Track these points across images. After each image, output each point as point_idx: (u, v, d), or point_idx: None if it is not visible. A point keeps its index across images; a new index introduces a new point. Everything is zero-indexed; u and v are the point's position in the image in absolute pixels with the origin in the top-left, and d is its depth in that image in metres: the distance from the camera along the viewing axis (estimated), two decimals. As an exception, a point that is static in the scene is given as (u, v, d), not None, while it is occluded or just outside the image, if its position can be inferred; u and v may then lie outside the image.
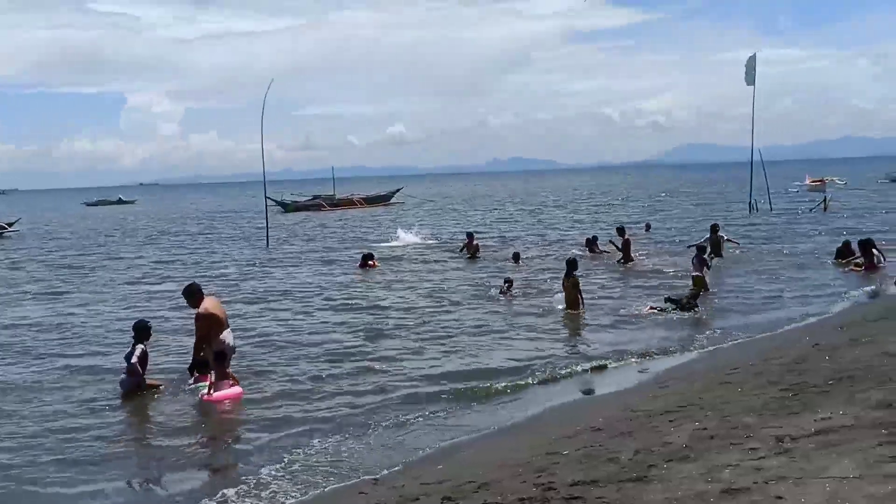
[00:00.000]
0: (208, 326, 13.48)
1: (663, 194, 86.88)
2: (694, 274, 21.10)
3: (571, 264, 19.46)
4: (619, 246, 28.09)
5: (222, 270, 31.75)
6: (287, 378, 14.04)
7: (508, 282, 22.41)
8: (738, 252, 29.16)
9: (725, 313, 18.89)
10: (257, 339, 17.37)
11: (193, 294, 13.90)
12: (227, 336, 13.59)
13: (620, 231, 29.07)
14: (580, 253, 29.34)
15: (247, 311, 21.11)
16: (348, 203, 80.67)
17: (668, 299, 19.12)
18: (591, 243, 31.30)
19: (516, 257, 29.18)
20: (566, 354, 15.40)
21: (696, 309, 18.54)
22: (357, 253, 32.87)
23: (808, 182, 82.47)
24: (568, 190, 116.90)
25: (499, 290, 22.18)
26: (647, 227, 40.73)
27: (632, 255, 27.69)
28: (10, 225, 61.00)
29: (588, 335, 17.22)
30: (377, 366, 14.68)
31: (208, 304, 13.81)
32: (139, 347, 13.48)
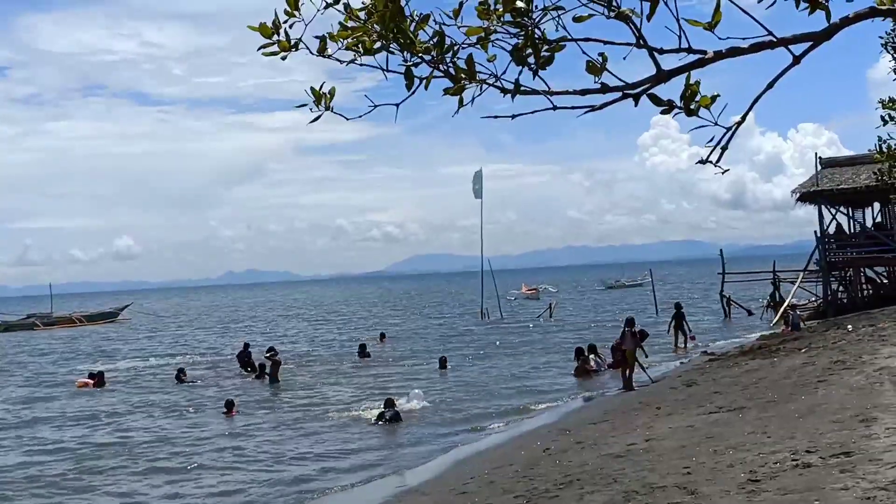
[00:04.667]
0: None
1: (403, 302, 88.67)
2: (624, 348, 21.63)
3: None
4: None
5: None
6: None
7: None
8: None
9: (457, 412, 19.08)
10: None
11: None
12: None
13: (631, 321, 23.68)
14: None
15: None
16: (67, 321, 75.28)
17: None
18: None
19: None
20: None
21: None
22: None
23: (524, 290, 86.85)
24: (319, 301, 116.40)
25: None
26: (382, 336, 41.03)
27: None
28: None
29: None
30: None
31: None
32: None
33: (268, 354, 28.41)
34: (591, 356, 25.69)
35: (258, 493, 13.93)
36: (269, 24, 3.64)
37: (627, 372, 21.53)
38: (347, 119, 3.89)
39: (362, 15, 3.58)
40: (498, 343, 37.11)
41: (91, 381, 29.12)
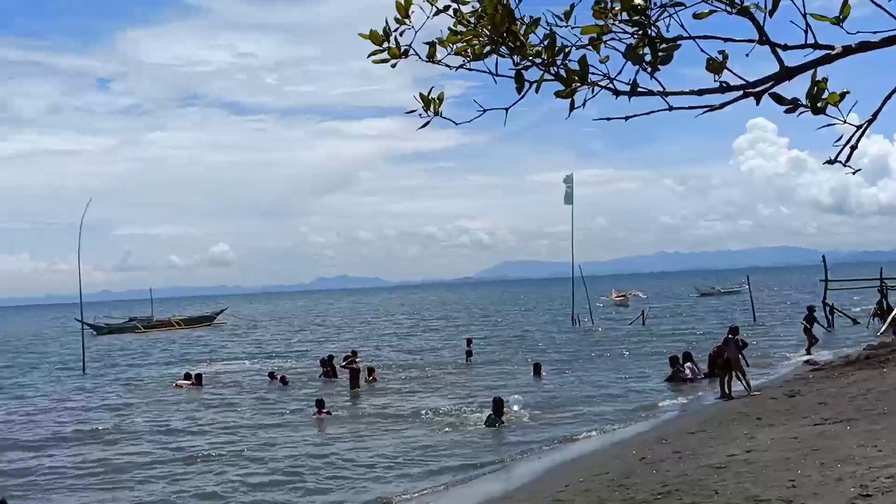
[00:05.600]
0: None
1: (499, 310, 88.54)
2: (727, 356, 21.13)
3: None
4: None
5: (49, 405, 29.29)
6: None
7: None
8: None
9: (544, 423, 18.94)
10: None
11: None
12: None
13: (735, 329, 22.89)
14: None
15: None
16: (166, 325, 77.57)
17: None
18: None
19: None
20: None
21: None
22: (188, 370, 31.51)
23: (613, 297, 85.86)
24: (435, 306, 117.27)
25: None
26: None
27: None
28: None
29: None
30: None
31: None
32: None
33: (344, 363, 28.44)
34: (687, 364, 25.19)
35: (347, 495, 14.04)
36: (380, 32, 3.65)
37: (727, 380, 21.02)
38: (457, 124, 3.88)
39: (472, 19, 3.56)
40: (590, 350, 36.72)
41: (189, 382, 30.02)
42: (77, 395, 29.88)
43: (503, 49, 3.56)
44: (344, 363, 28.62)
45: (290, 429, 20.52)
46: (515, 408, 20.38)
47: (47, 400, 28.61)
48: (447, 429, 19.32)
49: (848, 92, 3.04)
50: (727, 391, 20.90)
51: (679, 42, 3.22)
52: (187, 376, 30.89)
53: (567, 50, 3.42)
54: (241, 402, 25.51)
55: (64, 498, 14.83)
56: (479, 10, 3.50)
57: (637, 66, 3.22)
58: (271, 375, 30.47)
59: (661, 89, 3.32)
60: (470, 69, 3.69)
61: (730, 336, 21.85)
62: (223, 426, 21.41)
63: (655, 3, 3.12)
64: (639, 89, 3.27)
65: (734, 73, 3.22)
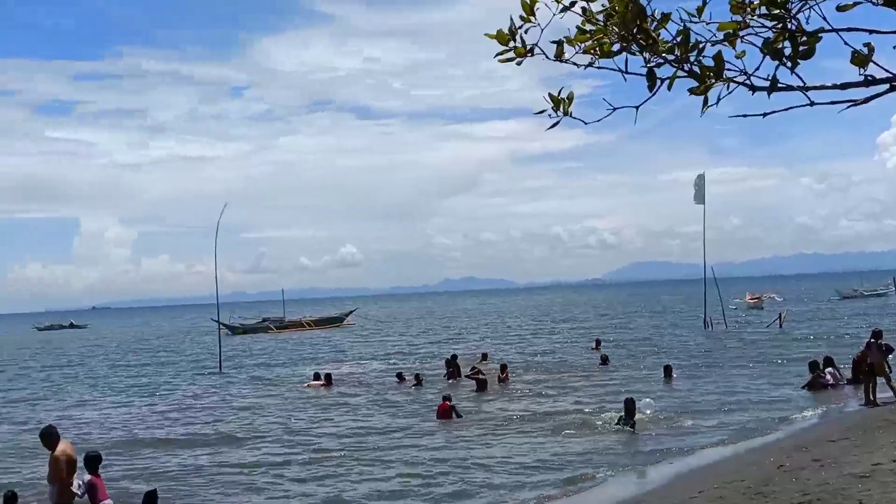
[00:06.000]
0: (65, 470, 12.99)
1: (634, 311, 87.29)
2: (871, 361, 20.45)
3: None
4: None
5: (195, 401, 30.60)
6: None
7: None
8: None
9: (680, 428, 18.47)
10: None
11: (48, 437, 13.42)
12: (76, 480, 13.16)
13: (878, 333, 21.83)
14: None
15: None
16: (297, 325, 79.71)
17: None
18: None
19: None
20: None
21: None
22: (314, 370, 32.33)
23: (747, 299, 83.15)
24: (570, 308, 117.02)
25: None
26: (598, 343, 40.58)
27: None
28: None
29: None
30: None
31: (65, 447, 13.47)
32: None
33: (471, 372, 28.24)
34: (828, 369, 24.14)
35: (476, 501, 14.07)
36: (506, 31, 3.65)
37: (872, 386, 20.07)
38: (586, 123, 3.84)
39: (601, 17, 3.52)
40: (723, 354, 35.71)
41: (320, 382, 30.68)
42: (213, 393, 30.95)
43: (633, 46, 3.50)
44: (470, 373, 28.44)
45: (418, 430, 20.73)
46: (648, 411, 20.02)
47: (186, 398, 29.71)
48: (576, 431, 19.16)
49: None
50: (872, 398, 19.94)
51: (821, 35, 3.09)
52: (317, 376, 31.52)
53: (701, 46, 3.34)
54: (369, 403, 25.96)
55: (203, 498, 15.32)
56: (609, 7, 3.46)
57: (776, 61, 3.11)
58: (399, 376, 30.86)
59: (802, 84, 3.19)
60: (599, 67, 3.64)
61: (872, 340, 20.86)
62: (352, 426, 21.83)
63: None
64: (778, 85, 3.15)
65: (880, 66, 3.07)
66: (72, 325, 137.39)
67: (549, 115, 3.72)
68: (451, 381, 29.45)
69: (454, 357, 32.09)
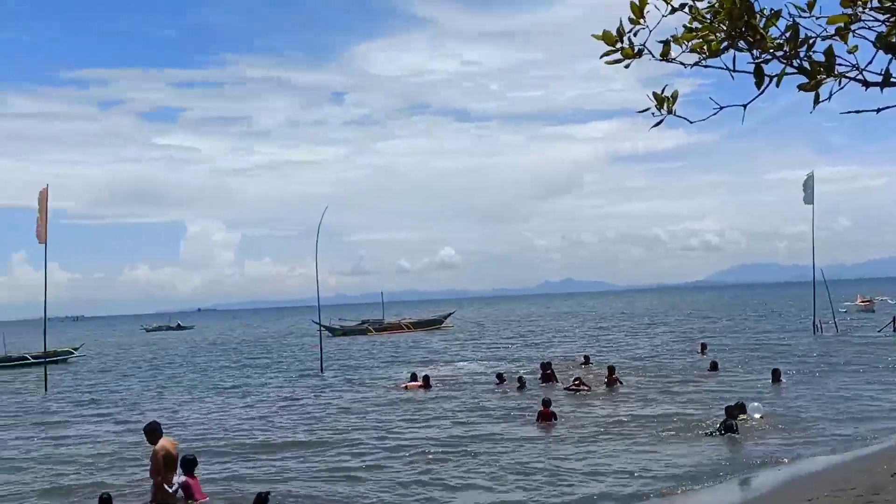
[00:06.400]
0: (162, 465, 13.71)
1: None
2: None
3: None
4: None
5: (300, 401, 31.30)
6: None
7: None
8: None
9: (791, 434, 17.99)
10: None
11: (151, 432, 14.20)
12: (174, 479, 13.84)
13: None
14: None
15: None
16: (396, 328, 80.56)
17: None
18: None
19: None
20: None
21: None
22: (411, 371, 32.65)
23: (858, 302, 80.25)
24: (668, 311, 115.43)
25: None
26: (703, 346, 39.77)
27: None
28: (76, 349, 62.84)
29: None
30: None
31: (165, 443, 14.08)
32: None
33: (574, 383, 27.84)
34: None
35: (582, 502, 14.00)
36: (613, 32, 3.67)
37: None
38: (691, 122, 3.83)
39: (708, 15, 3.51)
40: (833, 358, 34.57)
41: (418, 384, 30.98)
42: (314, 395, 31.39)
43: (741, 44, 3.49)
44: (572, 384, 27.88)
45: (517, 433, 20.67)
46: (756, 416, 19.58)
47: (287, 399, 30.14)
48: (681, 436, 18.86)
49: None
50: None
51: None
52: (413, 377, 31.93)
53: (811, 41, 3.30)
54: (467, 405, 26.03)
55: (306, 499, 15.61)
56: (716, 4, 3.45)
57: (890, 55, 3.06)
58: (499, 377, 30.90)
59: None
60: (706, 66, 3.64)
61: None
62: (450, 428, 21.93)
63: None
64: (892, 80, 3.10)
65: None
66: (179, 327, 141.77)
67: (653, 114, 3.73)
68: (545, 385, 29.32)
69: (549, 363, 31.87)
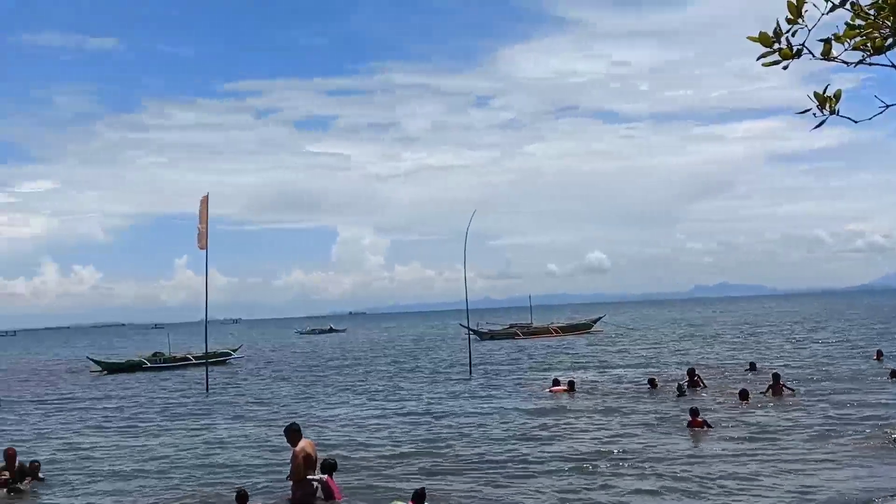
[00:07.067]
0: (302, 466, 14.21)
1: None
2: None
3: None
4: None
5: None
6: None
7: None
8: None
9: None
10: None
11: (291, 433, 14.71)
12: (315, 479, 14.30)
13: None
14: None
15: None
16: (544, 331, 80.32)
17: None
18: None
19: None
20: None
21: None
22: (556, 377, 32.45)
23: None
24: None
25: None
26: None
27: None
28: (234, 351, 66.06)
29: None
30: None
31: (305, 444, 14.57)
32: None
33: (741, 396, 26.44)
34: None
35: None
36: (769, 33, 3.58)
37: None
38: (856, 122, 3.69)
39: (871, 12, 3.39)
40: None
41: (563, 388, 30.82)
42: (463, 398, 31.62)
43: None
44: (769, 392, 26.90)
45: (665, 439, 20.25)
46: None
47: (436, 403, 30.45)
48: (858, 449, 17.91)
49: None
50: None
51: None
52: (556, 382, 31.75)
53: None
54: (613, 410, 25.66)
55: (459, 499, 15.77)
56: (880, 1, 3.33)
57: None
58: (652, 382, 30.30)
59: None
60: (870, 63, 3.51)
61: None
62: (597, 433, 21.70)
63: None
64: None
65: None
66: (331, 330, 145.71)
67: (814, 115, 3.62)
68: (691, 392, 28.59)
69: (693, 369, 31.00)
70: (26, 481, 17.71)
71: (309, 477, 14.48)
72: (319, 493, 14.47)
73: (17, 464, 17.71)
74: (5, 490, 17.33)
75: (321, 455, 15.52)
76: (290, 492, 14.80)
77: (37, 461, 18.61)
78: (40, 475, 18.14)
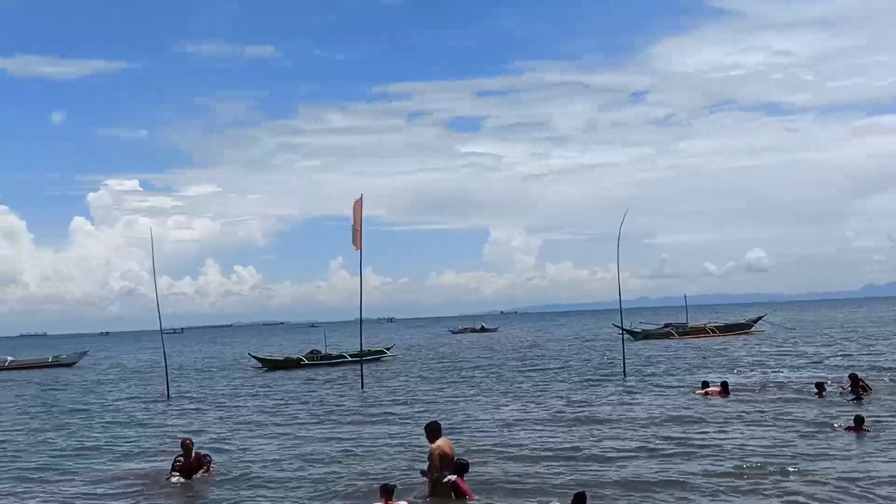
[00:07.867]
0: (437, 464, 14.26)
1: None
2: None
3: None
4: None
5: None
6: None
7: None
8: None
9: None
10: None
11: (431, 431, 14.85)
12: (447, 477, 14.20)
13: None
14: None
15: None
16: (700, 332, 78.15)
17: None
18: None
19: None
20: None
21: None
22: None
23: None
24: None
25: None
26: None
27: None
28: (388, 349, 67.40)
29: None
30: None
31: (442, 443, 14.54)
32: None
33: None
34: None
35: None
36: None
37: None
38: None
39: None
40: None
41: (715, 390, 29.83)
42: (617, 399, 31.09)
43: None
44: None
45: (828, 448, 19.20)
46: None
47: (589, 404, 30.05)
48: None
49: None
50: None
51: None
52: (704, 384, 30.93)
53: None
54: (772, 415, 24.55)
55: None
56: None
57: None
58: (819, 387, 28.71)
59: None
60: None
61: None
62: (757, 439, 20.77)
63: None
64: None
65: None
66: (483, 329, 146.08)
67: None
68: (855, 397, 27.14)
69: (855, 374, 29.06)
70: (201, 471, 18.50)
71: (437, 475, 14.59)
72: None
73: (192, 454, 18.56)
74: (180, 476, 18.18)
75: (460, 453, 15.59)
76: (426, 489, 14.96)
77: (208, 455, 19.40)
78: (211, 467, 18.91)
